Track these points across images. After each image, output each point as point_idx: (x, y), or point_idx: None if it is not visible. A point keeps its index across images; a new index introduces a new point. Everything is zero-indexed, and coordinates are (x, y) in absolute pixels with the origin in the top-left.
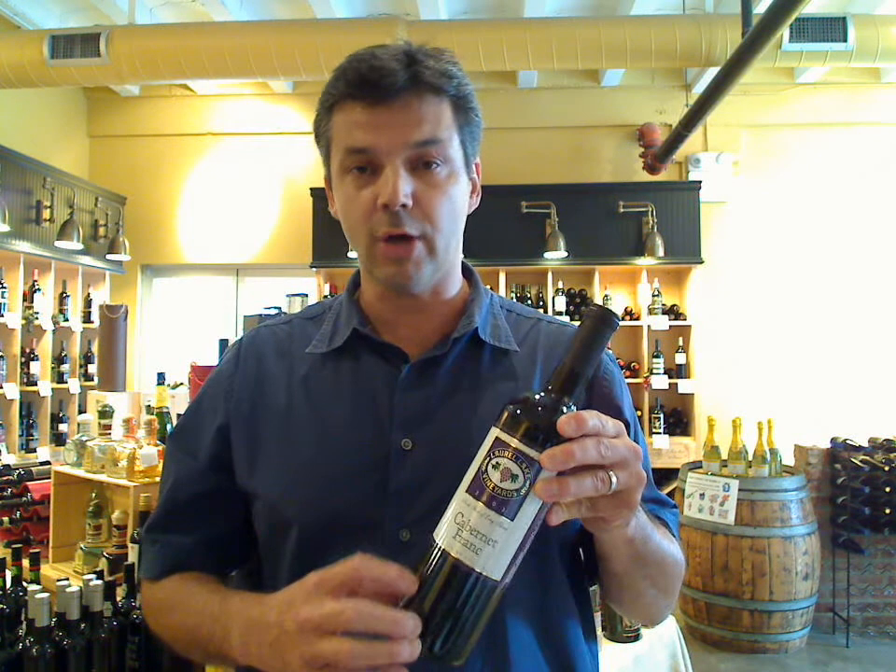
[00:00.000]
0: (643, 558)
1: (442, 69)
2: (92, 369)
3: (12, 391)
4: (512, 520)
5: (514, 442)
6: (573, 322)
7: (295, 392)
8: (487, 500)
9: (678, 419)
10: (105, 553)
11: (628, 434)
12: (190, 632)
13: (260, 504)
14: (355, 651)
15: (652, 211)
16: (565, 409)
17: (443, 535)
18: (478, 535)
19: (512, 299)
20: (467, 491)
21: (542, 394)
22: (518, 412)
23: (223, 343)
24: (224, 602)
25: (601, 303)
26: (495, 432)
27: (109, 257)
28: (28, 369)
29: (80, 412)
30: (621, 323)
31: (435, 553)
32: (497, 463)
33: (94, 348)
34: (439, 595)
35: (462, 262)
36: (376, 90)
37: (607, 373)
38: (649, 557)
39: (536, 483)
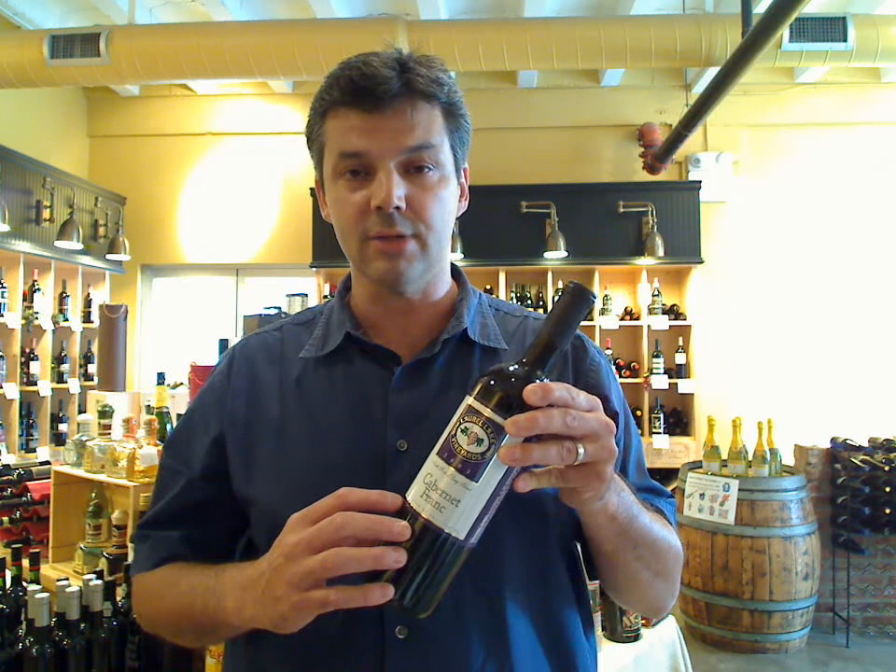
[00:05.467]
0: (631, 538)
1: (434, 77)
2: (92, 369)
3: (12, 391)
4: (477, 482)
5: (484, 410)
6: None
7: (288, 397)
8: (455, 463)
9: (678, 419)
10: (104, 553)
11: (617, 424)
12: (182, 611)
13: (258, 510)
14: (342, 553)
15: (652, 211)
16: (537, 380)
17: (413, 494)
18: (445, 495)
19: (512, 299)
20: (437, 454)
21: (516, 366)
22: (491, 381)
23: (223, 343)
24: (219, 574)
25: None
26: (468, 400)
27: (109, 257)
28: (28, 369)
29: (80, 412)
30: (621, 323)
31: (405, 511)
32: (465, 428)
33: (94, 348)
34: (410, 553)
35: (451, 264)
36: (371, 97)
37: (593, 364)
38: (637, 537)
39: (500, 448)
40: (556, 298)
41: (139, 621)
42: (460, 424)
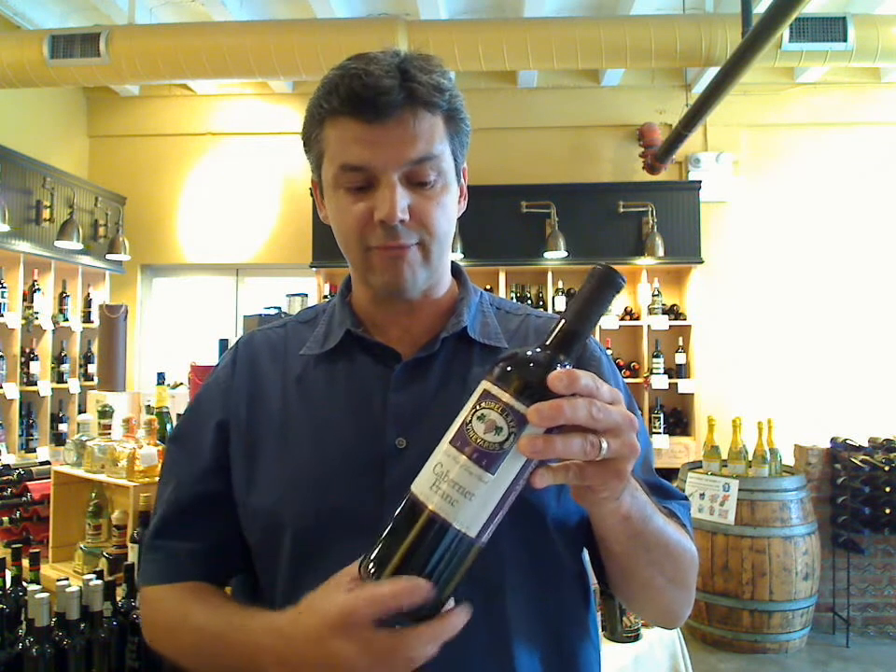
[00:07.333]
0: (644, 540)
1: (435, 83)
2: (92, 369)
3: (12, 391)
4: (493, 474)
5: (503, 396)
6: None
7: (290, 394)
8: (469, 452)
9: (678, 419)
10: (104, 553)
11: None
12: (209, 658)
13: (256, 509)
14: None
15: (652, 211)
16: (559, 366)
17: (421, 486)
18: (457, 487)
19: (512, 299)
20: (450, 442)
21: (538, 349)
22: (510, 366)
23: (223, 343)
24: (245, 631)
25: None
26: (484, 385)
27: (109, 257)
28: (28, 369)
29: (80, 412)
30: (621, 323)
31: (410, 503)
32: (482, 415)
33: (94, 348)
34: (411, 548)
35: (452, 262)
36: (372, 108)
37: (593, 358)
38: (650, 540)
39: (520, 438)
40: (584, 280)
41: (150, 644)
42: (475, 410)
